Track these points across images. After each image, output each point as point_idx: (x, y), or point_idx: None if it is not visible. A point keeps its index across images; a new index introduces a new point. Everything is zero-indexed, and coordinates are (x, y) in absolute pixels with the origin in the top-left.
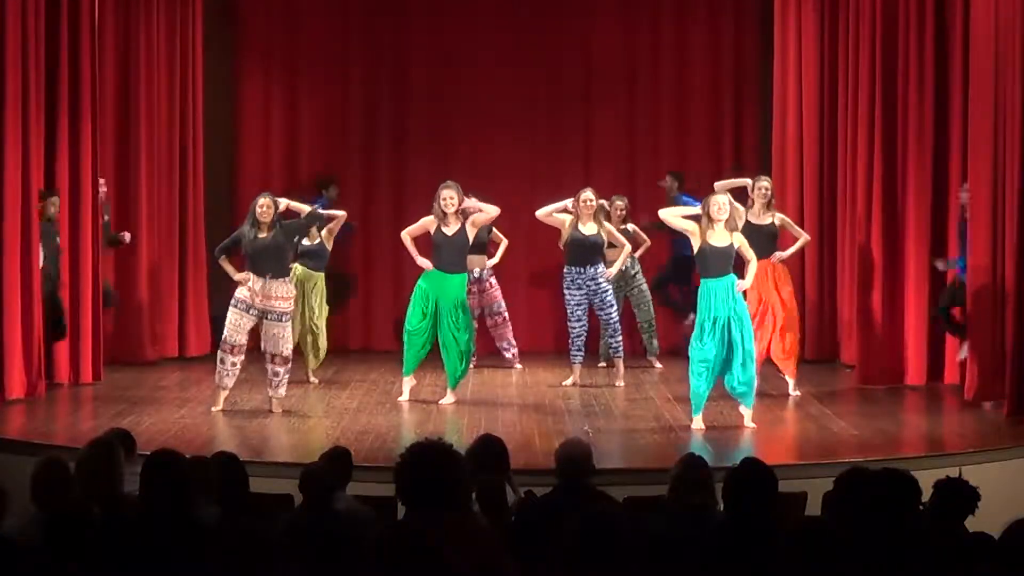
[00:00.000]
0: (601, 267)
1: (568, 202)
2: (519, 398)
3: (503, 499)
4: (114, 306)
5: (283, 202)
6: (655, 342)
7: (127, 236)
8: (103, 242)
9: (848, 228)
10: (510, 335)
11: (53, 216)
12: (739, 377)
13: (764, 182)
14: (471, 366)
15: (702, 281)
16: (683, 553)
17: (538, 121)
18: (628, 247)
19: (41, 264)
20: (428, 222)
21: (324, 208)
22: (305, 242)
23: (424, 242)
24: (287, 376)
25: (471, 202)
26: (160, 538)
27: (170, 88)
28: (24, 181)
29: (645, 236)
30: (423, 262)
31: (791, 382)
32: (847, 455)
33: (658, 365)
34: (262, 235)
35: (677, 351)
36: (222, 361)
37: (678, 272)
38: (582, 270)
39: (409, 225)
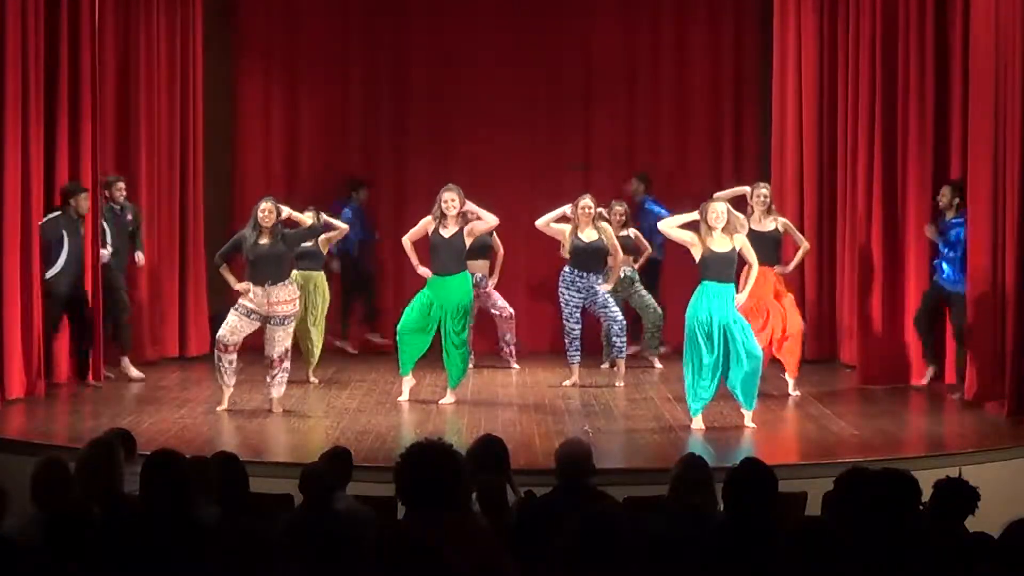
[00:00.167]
0: (601, 277)
1: (566, 209)
2: (519, 398)
3: (503, 499)
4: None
5: (285, 210)
6: (659, 343)
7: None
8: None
9: (848, 228)
10: (513, 331)
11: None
12: (741, 378)
13: (762, 189)
14: (471, 366)
15: (702, 282)
16: (683, 553)
17: (538, 121)
18: (621, 255)
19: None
20: (426, 223)
21: (352, 210)
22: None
23: (422, 245)
24: (286, 376)
25: (472, 206)
26: (160, 538)
27: (170, 88)
28: (24, 181)
29: (646, 243)
30: (423, 271)
31: (791, 382)
32: (847, 455)
33: (658, 365)
34: (263, 241)
35: (677, 351)
36: (219, 359)
37: (648, 277)
38: (584, 275)
39: (409, 226)
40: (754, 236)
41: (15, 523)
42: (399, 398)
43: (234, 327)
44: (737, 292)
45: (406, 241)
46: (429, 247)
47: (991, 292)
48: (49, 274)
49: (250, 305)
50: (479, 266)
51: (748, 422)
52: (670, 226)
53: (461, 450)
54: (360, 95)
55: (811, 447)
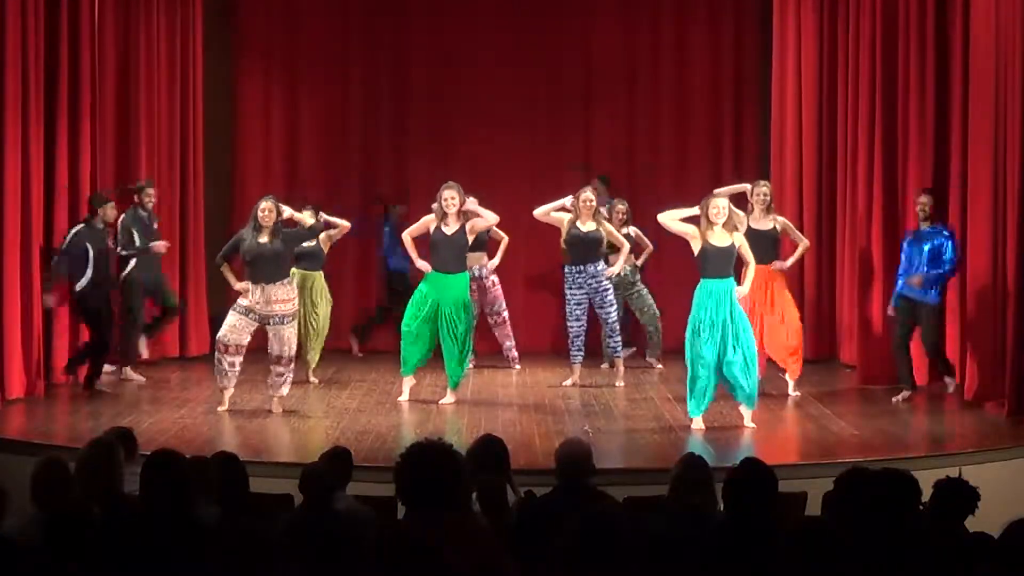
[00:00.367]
0: (602, 265)
1: (567, 200)
2: (519, 398)
3: (503, 499)
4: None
5: (287, 211)
6: (657, 345)
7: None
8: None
9: (848, 228)
10: (510, 336)
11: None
12: (741, 379)
13: (763, 187)
14: (471, 366)
15: (701, 281)
16: (683, 553)
17: (538, 121)
18: (627, 246)
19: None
20: (428, 220)
21: (391, 226)
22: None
23: (423, 242)
24: (290, 376)
25: (471, 204)
26: (160, 538)
27: (170, 88)
28: (24, 181)
29: (647, 241)
30: (422, 265)
31: (791, 382)
32: (847, 455)
33: (658, 365)
34: (263, 240)
35: (677, 351)
36: (219, 362)
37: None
38: (582, 268)
39: (408, 226)
40: (752, 234)
41: (15, 523)
42: (399, 398)
43: (233, 327)
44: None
45: (406, 236)
46: (430, 244)
47: (991, 292)
48: (78, 287)
49: (247, 304)
50: (476, 258)
51: (748, 422)
52: (671, 218)
53: (461, 450)
54: (360, 95)
55: (811, 447)
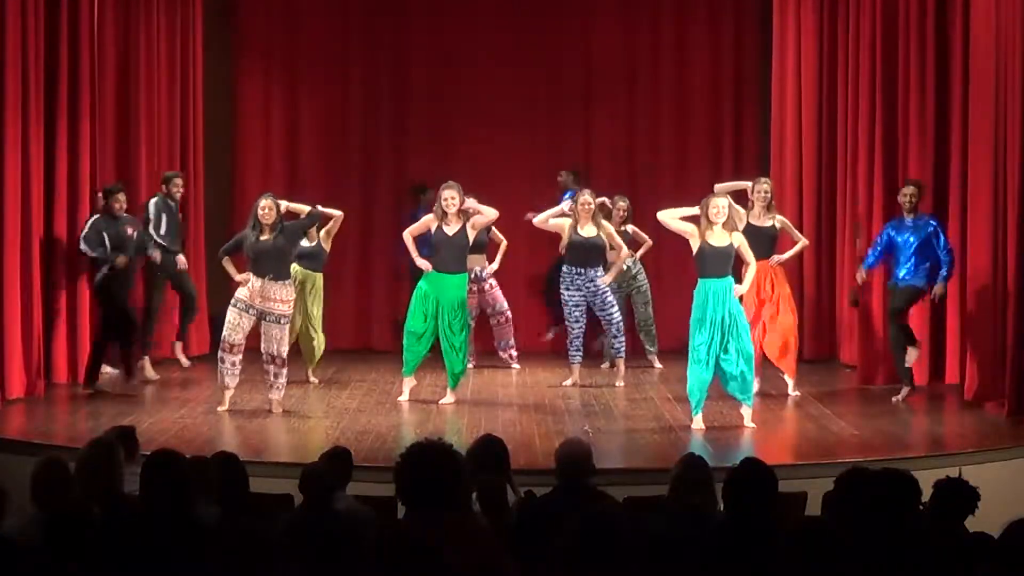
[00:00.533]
0: (601, 271)
1: (565, 205)
2: (519, 398)
3: (503, 499)
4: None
5: (283, 204)
6: (654, 341)
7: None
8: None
9: (848, 228)
10: (511, 336)
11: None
12: (737, 377)
13: (764, 184)
14: (470, 366)
15: (700, 281)
16: (683, 553)
17: (538, 121)
18: (625, 250)
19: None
20: (429, 220)
21: (423, 213)
22: (304, 243)
23: (423, 242)
24: (285, 377)
25: (471, 203)
26: (160, 538)
27: (170, 88)
28: (24, 181)
29: (645, 236)
30: (423, 263)
31: (791, 382)
32: (847, 455)
33: (658, 365)
34: (264, 237)
35: (677, 351)
36: (222, 361)
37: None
38: (582, 271)
39: (408, 226)
40: (751, 231)
41: (15, 523)
42: (399, 398)
43: (234, 324)
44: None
45: (407, 235)
46: (431, 245)
47: (991, 292)
48: (98, 277)
49: (244, 298)
50: (476, 260)
51: (747, 422)
52: (671, 217)
53: (461, 450)
54: (360, 95)
55: (811, 447)
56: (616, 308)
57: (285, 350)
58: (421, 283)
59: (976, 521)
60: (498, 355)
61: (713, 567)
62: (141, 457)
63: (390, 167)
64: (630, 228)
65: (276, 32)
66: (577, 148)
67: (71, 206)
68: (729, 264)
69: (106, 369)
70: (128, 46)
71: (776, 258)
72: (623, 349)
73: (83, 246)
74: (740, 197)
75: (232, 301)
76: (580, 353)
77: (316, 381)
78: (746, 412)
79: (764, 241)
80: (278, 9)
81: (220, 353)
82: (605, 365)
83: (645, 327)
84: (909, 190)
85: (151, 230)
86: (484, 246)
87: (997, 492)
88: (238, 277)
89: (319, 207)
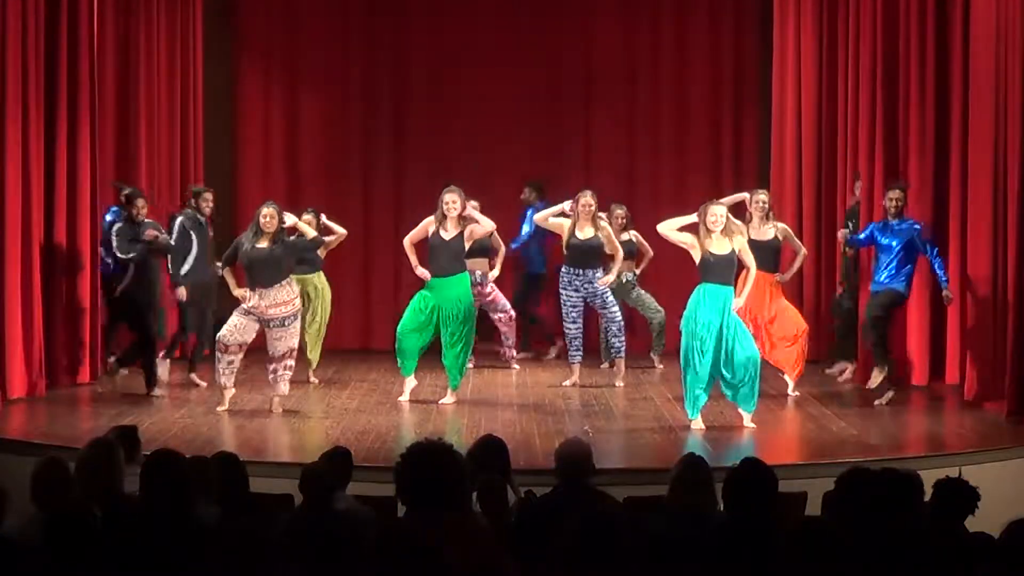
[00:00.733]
0: (599, 272)
1: (566, 205)
2: (519, 398)
3: (503, 499)
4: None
5: (291, 218)
6: (662, 342)
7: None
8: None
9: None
10: (514, 334)
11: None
12: (737, 381)
13: (761, 195)
14: (471, 366)
15: (700, 283)
16: (683, 553)
17: (538, 121)
18: (621, 253)
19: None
20: (428, 224)
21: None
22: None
23: (422, 246)
24: (290, 373)
25: (471, 211)
26: (160, 538)
27: (170, 88)
28: (24, 181)
29: (648, 246)
30: (422, 272)
31: (791, 382)
32: (847, 455)
33: (659, 365)
34: (260, 244)
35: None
36: (218, 360)
37: (531, 289)
38: (580, 272)
39: (408, 227)
40: (753, 245)
41: (15, 523)
42: (399, 398)
43: (234, 327)
44: (735, 296)
45: (407, 242)
46: (428, 248)
47: (991, 293)
48: (121, 287)
49: (248, 306)
50: (478, 264)
51: (748, 422)
52: (669, 228)
53: (461, 450)
54: (360, 95)
55: (811, 447)
56: (617, 307)
57: (295, 343)
58: (423, 291)
59: (976, 521)
60: (499, 354)
61: (713, 567)
62: (142, 457)
63: (390, 167)
64: (633, 235)
65: (276, 32)
66: (577, 148)
67: (71, 206)
68: (733, 271)
69: (116, 367)
70: (128, 46)
71: (780, 276)
72: (623, 349)
73: (122, 254)
74: (739, 210)
75: (240, 306)
76: (580, 353)
77: (316, 381)
78: (746, 412)
79: (767, 255)
80: (278, 10)
81: (217, 353)
82: (605, 365)
83: (658, 329)
84: (895, 194)
85: (170, 265)
86: (487, 250)
87: (997, 492)
88: (237, 292)
89: (323, 219)
